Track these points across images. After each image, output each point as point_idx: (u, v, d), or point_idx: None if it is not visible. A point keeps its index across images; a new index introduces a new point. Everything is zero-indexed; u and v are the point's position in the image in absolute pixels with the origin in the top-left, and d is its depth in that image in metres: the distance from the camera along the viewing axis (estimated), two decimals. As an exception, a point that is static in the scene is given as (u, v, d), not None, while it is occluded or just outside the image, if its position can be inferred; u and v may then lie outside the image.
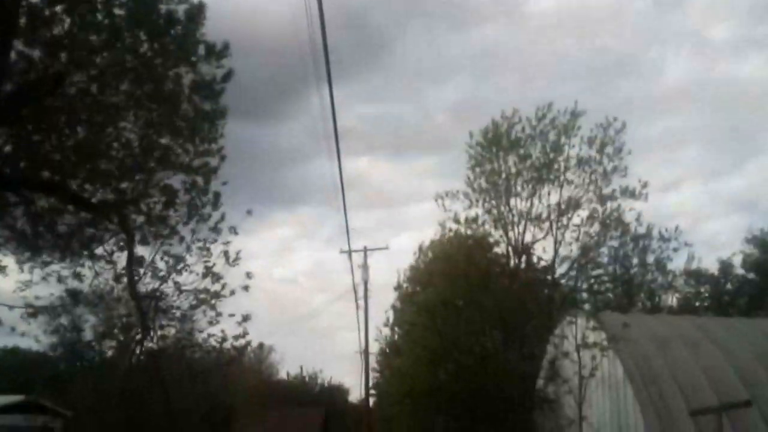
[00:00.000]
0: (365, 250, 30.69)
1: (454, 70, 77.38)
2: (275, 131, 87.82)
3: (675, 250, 21.41)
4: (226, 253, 11.31)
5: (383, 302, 47.95)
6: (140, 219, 10.53)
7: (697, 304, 26.67)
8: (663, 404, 12.06)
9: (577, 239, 18.84)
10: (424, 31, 75.02)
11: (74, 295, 9.67)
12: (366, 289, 30.19)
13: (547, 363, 18.35)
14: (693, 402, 11.61)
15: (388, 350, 30.83)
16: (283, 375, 57.79)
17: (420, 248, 28.23)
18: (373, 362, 35.62)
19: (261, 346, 13.74)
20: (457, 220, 18.64)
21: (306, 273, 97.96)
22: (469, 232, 18.60)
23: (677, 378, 12.51)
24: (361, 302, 30.69)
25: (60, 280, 10.00)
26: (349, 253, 29.85)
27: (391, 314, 32.47)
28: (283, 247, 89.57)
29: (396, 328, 30.87)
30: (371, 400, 36.12)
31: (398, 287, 32.08)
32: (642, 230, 21.18)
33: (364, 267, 30.51)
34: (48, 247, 10.10)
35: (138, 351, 12.71)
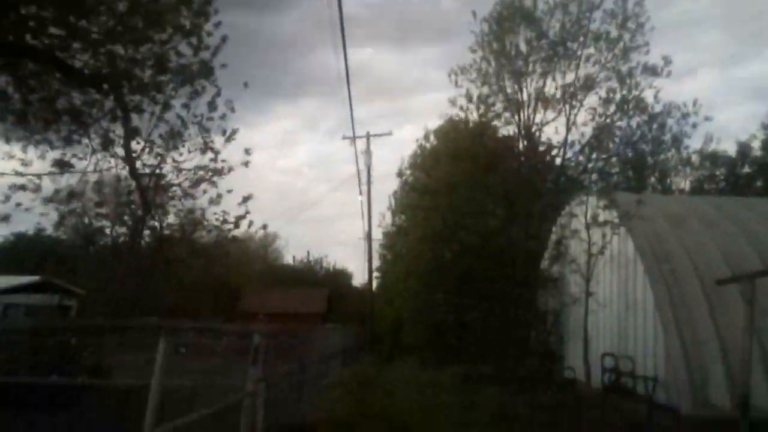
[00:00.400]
0: (368, 135, 30.04)
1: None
2: (277, 21, 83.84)
3: (694, 126, 20.77)
4: (223, 130, 10.83)
5: (386, 190, 48.01)
6: (133, 90, 9.98)
7: (712, 186, 26.20)
8: (674, 280, 11.99)
9: (593, 119, 18.19)
10: None
11: (61, 165, 9.28)
12: (369, 175, 29.88)
13: (553, 243, 18.32)
14: (708, 279, 11.50)
15: (391, 234, 31.16)
16: (288, 260, 59.18)
17: (425, 134, 27.74)
18: (376, 247, 36.10)
19: (264, 227, 13.46)
20: (469, 97, 17.85)
21: (309, 164, 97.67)
22: (480, 109, 17.88)
23: (692, 256, 12.32)
24: (365, 188, 30.50)
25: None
26: (353, 137, 29.19)
27: (393, 200, 32.61)
28: (287, 140, 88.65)
29: (399, 214, 31.05)
30: (374, 283, 37.03)
31: (401, 174, 32.05)
32: (659, 109, 20.48)
33: (367, 153, 30.02)
34: (38, 120, 9.58)
35: (140, 228, 12.49)
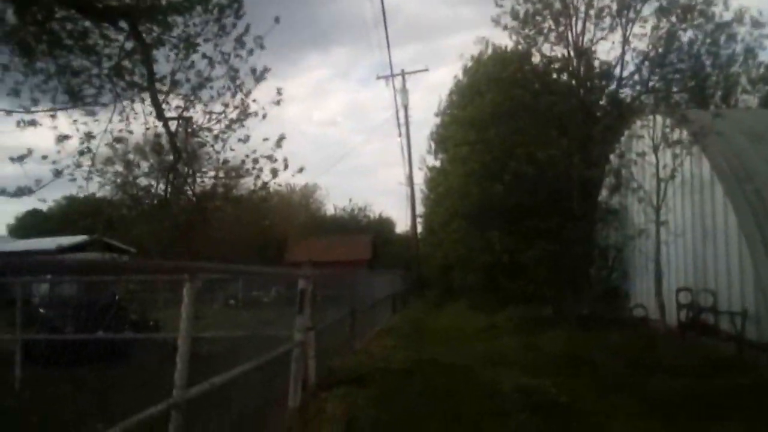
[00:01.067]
0: (403, 73, 28.63)
1: None
2: None
3: (768, 37, 18.78)
4: (253, 69, 9.89)
5: (424, 137, 46.60)
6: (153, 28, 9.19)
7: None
8: (759, 202, 10.69)
9: (654, 29, 16.46)
10: None
11: (72, 94, 8.50)
12: (407, 113, 28.59)
13: (613, 170, 16.96)
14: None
15: (433, 175, 30.05)
16: (330, 211, 58.85)
17: (464, 67, 26.10)
18: (418, 193, 35.08)
19: (301, 170, 12.44)
20: (514, 14, 16.27)
21: (344, 113, 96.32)
22: (527, 27, 16.31)
23: (778, 173, 10.97)
24: (403, 130, 29.30)
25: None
26: (391, 75, 27.85)
27: (432, 141, 31.34)
28: (320, 90, 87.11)
29: (441, 154, 29.82)
30: (418, 228, 36.19)
31: (440, 112, 30.61)
32: (728, 16, 18.49)
33: (403, 91, 28.65)
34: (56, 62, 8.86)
35: (171, 177, 11.76)
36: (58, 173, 8.20)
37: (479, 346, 11.71)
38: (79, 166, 8.89)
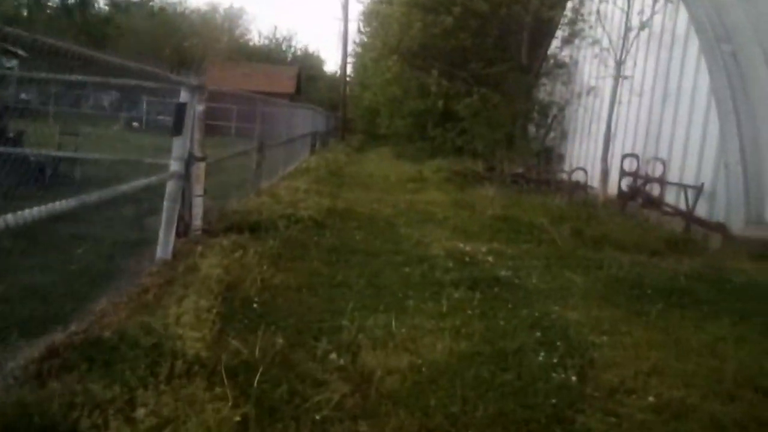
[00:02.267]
0: None
1: None
2: None
3: None
4: None
5: None
6: None
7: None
8: (735, 67, 9.42)
9: None
10: None
11: None
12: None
13: (568, 19, 15.19)
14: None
15: (371, 6, 27.06)
16: (255, 37, 53.96)
17: None
18: (354, 31, 31.98)
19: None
20: None
21: None
22: None
23: (761, 35, 9.61)
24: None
25: None
26: None
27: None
28: None
29: None
30: (348, 69, 33.49)
31: None
32: None
33: None
34: None
35: None
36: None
37: (403, 198, 10.40)
38: None
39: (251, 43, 52.99)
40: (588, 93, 13.69)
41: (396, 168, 15.71)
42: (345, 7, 24.85)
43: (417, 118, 19.85)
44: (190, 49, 44.93)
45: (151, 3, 47.97)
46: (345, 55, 26.15)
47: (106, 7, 48.30)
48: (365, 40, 29.00)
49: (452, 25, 14.78)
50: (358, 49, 33.03)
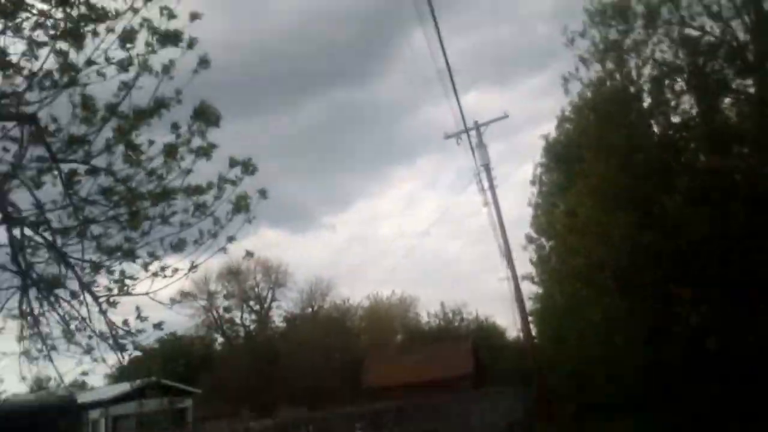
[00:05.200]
0: (477, 126, 22.03)
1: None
2: (375, 89, 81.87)
3: None
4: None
5: (519, 234, 39.04)
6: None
7: None
8: None
9: None
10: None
11: None
12: (489, 176, 21.48)
13: None
14: None
15: (541, 237, 22.91)
16: (423, 318, 51.12)
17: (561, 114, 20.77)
18: (521, 274, 27.63)
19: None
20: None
21: (436, 222, 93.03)
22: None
23: None
24: (490, 196, 22.41)
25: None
26: (465, 129, 21.55)
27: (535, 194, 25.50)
28: (410, 201, 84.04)
29: (548, 206, 23.60)
30: (532, 329, 27.97)
31: (536, 180, 25.04)
32: None
33: (480, 146, 21.86)
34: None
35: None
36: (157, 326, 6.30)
37: None
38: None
39: (423, 326, 49.94)
40: None
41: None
42: (507, 251, 20.40)
43: (649, 368, 13.30)
44: (356, 347, 43.40)
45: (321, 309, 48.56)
46: (524, 315, 20.88)
47: (282, 324, 49.56)
48: (544, 287, 24.20)
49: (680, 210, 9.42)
50: (539, 302, 27.86)
